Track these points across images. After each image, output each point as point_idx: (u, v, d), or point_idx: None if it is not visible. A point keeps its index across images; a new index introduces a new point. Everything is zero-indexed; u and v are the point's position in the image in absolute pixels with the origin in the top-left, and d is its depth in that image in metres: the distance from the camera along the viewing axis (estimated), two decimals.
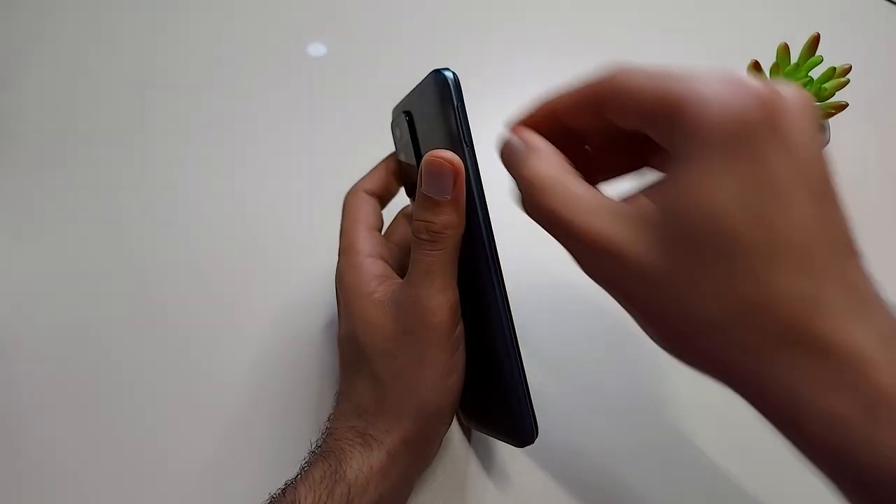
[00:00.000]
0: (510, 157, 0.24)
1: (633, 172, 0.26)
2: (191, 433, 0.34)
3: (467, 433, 0.34)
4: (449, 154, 0.25)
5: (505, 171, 0.25)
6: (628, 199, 0.21)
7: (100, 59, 0.50)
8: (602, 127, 0.23)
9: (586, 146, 0.26)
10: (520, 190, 0.24)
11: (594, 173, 0.26)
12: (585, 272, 0.22)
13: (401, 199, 0.34)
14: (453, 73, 0.26)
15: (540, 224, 0.23)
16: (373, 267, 0.30)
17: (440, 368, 0.27)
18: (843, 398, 0.18)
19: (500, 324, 0.27)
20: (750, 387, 0.20)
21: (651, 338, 0.22)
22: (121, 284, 0.39)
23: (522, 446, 0.27)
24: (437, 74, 0.26)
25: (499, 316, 0.27)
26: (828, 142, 0.39)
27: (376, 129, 0.37)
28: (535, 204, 0.23)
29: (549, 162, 0.23)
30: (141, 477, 0.33)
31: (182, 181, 0.44)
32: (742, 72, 0.19)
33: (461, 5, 0.54)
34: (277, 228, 0.42)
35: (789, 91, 0.20)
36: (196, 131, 0.46)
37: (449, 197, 0.26)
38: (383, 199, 0.33)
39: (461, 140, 0.26)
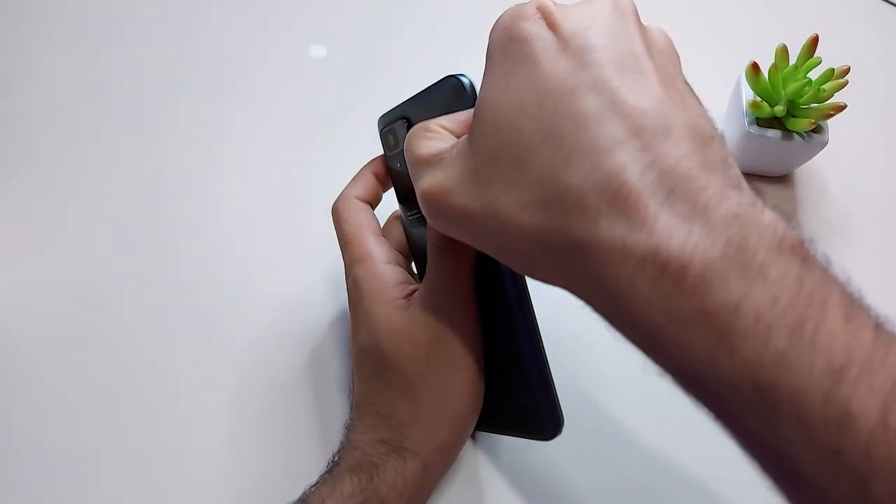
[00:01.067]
0: None
1: None
2: (190, 437, 0.35)
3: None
4: None
5: None
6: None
7: (102, 63, 0.50)
8: None
9: None
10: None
11: None
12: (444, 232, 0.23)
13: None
14: (469, 78, 0.27)
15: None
16: (393, 273, 0.29)
17: (473, 373, 0.28)
18: (653, 298, 0.17)
19: (524, 318, 0.27)
20: (585, 296, 0.19)
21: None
22: (121, 286, 0.40)
23: (551, 438, 0.27)
24: (455, 79, 0.27)
25: (521, 309, 0.27)
26: (826, 143, 0.39)
27: (377, 129, 0.37)
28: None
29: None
30: (140, 480, 0.33)
31: (182, 182, 0.44)
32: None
33: (461, 7, 0.54)
34: (278, 229, 0.42)
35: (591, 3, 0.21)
36: (197, 132, 0.46)
37: None
38: (372, 206, 0.33)
39: None
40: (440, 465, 0.28)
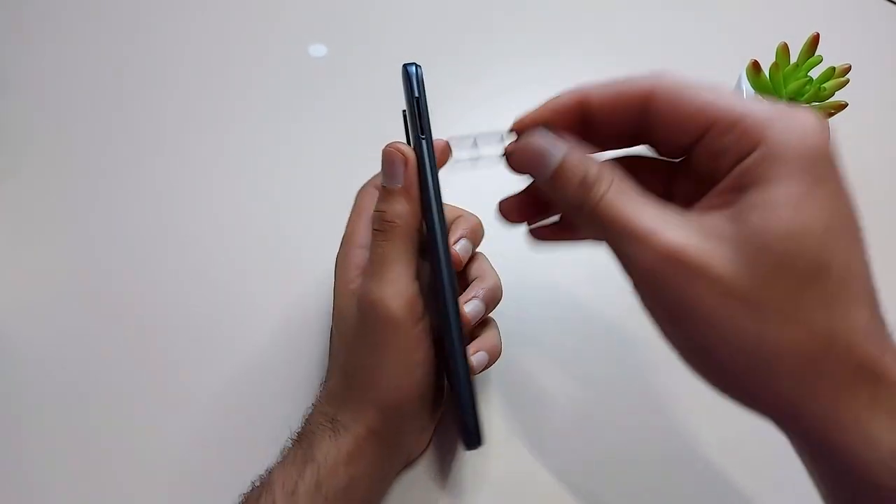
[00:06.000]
0: (541, 157, 0.22)
1: None
2: (189, 431, 0.35)
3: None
4: (401, 144, 0.27)
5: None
6: (696, 215, 0.20)
7: (102, 61, 0.50)
8: (623, 130, 0.23)
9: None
10: (565, 194, 0.22)
11: None
12: (649, 293, 0.21)
13: None
14: (416, 67, 0.27)
15: (597, 234, 0.21)
16: (358, 257, 0.30)
17: (399, 364, 0.27)
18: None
19: (448, 321, 0.27)
20: (814, 423, 0.19)
21: (700, 370, 0.21)
22: (121, 285, 0.40)
23: (468, 449, 0.28)
24: (404, 68, 0.27)
25: (446, 311, 0.27)
26: None
27: (377, 128, 0.37)
28: (598, 209, 0.21)
29: (604, 165, 0.21)
30: (138, 474, 0.34)
31: (183, 181, 0.44)
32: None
33: (462, 6, 0.54)
34: (277, 228, 0.42)
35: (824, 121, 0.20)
36: (197, 132, 0.46)
37: (399, 185, 0.27)
38: None
39: (418, 131, 0.26)
40: (375, 446, 0.28)
